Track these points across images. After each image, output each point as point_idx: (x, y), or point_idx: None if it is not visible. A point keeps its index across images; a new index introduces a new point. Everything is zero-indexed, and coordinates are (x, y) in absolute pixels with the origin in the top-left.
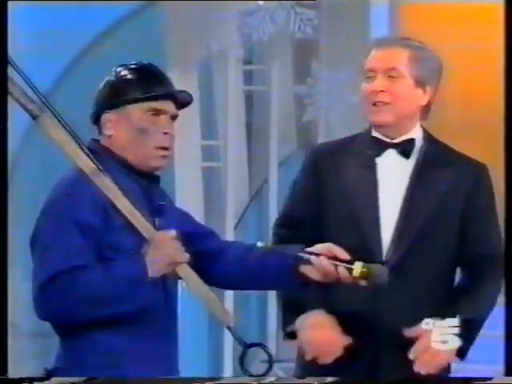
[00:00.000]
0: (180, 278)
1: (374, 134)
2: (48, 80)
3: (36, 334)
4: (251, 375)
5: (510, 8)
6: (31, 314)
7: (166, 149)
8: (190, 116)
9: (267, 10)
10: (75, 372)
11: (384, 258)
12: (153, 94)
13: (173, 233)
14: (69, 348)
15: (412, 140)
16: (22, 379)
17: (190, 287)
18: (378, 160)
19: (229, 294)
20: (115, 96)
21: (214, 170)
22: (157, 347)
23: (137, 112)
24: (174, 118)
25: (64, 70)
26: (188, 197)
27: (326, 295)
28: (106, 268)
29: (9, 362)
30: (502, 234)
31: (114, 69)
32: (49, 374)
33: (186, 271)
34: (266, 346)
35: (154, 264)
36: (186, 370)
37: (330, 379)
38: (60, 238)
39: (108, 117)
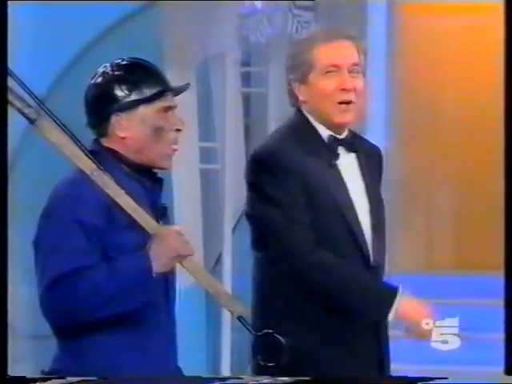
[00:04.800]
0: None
1: (323, 132)
2: (46, 80)
3: (34, 337)
4: (264, 363)
5: (510, 8)
6: (30, 316)
7: (176, 144)
8: (187, 118)
9: (265, 12)
10: (73, 374)
11: (372, 262)
12: (167, 91)
13: (177, 227)
14: (69, 349)
15: (357, 134)
16: (21, 378)
17: (198, 280)
18: (336, 159)
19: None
20: (126, 97)
21: (212, 172)
22: (157, 345)
23: (149, 111)
24: (174, 109)
25: (62, 70)
26: (186, 199)
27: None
28: (110, 267)
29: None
30: None
31: (111, 67)
32: (45, 377)
33: (192, 264)
34: (277, 334)
35: (159, 258)
36: (183, 368)
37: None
38: (64, 240)
39: (120, 118)
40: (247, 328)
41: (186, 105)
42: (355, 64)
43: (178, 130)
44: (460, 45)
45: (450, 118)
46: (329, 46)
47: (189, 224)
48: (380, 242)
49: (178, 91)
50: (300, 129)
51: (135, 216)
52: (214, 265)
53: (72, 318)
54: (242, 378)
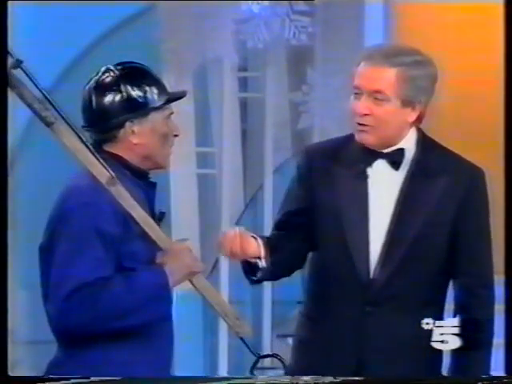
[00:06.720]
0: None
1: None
2: (44, 84)
3: (32, 342)
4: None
5: (510, 8)
6: (28, 321)
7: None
8: (184, 123)
9: (262, 17)
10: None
11: (371, 276)
12: (174, 98)
13: (188, 242)
14: (75, 355)
15: (401, 150)
16: (22, 377)
17: (206, 297)
18: (369, 171)
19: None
20: (141, 104)
21: (209, 177)
22: (159, 353)
23: (159, 118)
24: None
25: (60, 74)
26: (183, 204)
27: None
28: (129, 279)
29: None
30: (492, 248)
31: (119, 72)
32: (46, 377)
33: (202, 281)
34: (279, 356)
35: (174, 275)
36: (181, 368)
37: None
38: (83, 249)
39: (132, 125)
40: (249, 349)
41: (183, 110)
42: (378, 91)
43: (176, 136)
44: (459, 45)
45: (449, 117)
46: (363, 67)
47: (186, 229)
48: (390, 262)
49: (177, 98)
50: (352, 136)
51: (147, 229)
52: (211, 270)
53: (87, 328)
54: (260, 378)
